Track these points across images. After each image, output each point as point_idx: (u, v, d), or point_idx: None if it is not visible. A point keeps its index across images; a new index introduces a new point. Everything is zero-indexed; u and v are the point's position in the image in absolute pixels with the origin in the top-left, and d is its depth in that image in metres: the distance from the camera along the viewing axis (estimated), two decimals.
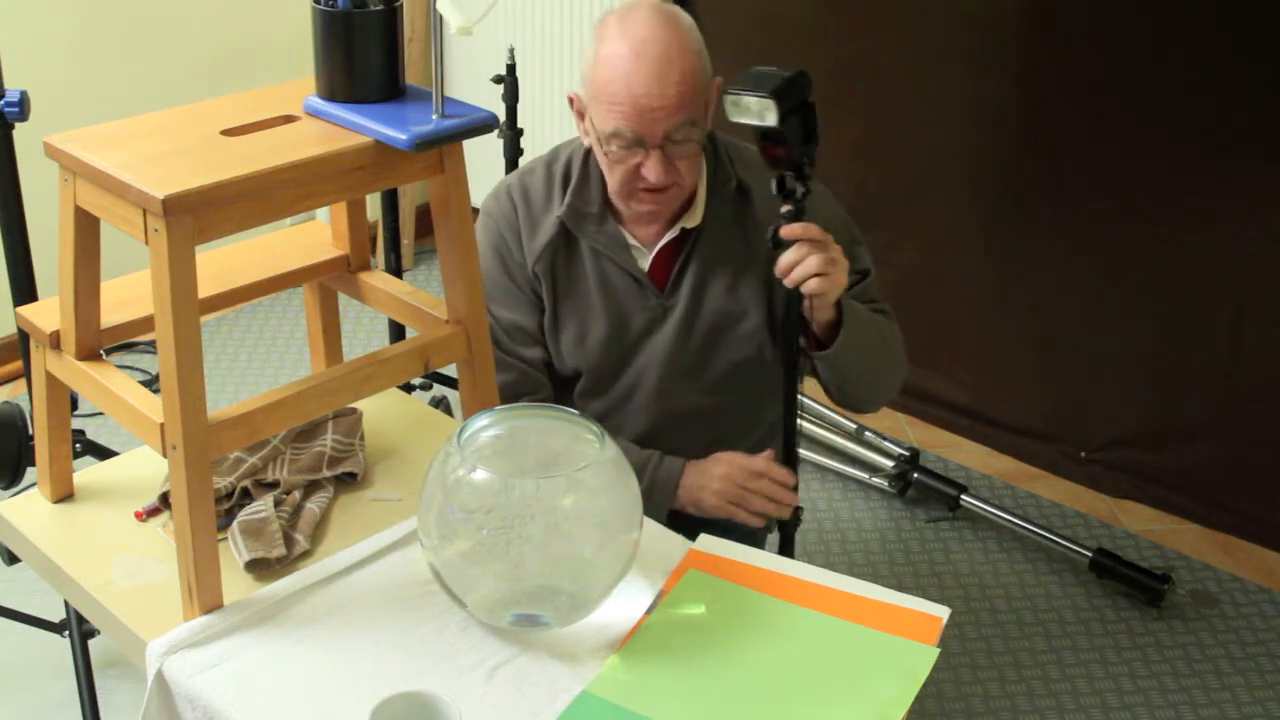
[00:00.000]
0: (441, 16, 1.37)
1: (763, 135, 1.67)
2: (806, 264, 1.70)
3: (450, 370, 2.77)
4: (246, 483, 1.59)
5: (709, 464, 1.86)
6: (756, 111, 1.64)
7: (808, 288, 1.71)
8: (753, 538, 1.98)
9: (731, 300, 1.88)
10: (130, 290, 1.55)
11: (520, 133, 2.73)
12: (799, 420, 2.50)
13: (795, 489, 1.86)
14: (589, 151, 1.86)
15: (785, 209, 1.71)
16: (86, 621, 2.23)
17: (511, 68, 2.67)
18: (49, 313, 1.50)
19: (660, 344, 1.89)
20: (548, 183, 1.89)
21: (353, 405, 1.71)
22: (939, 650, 1.39)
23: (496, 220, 1.90)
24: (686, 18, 1.77)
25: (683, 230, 1.86)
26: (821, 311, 1.78)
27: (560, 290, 1.89)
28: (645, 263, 1.88)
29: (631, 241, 1.87)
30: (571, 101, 1.83)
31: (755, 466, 1.84)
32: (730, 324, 1.89)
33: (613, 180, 1.80)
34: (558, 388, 1.95)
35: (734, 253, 1.87)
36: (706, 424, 1.93)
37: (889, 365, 1.94)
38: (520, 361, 1.89)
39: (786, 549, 2.04)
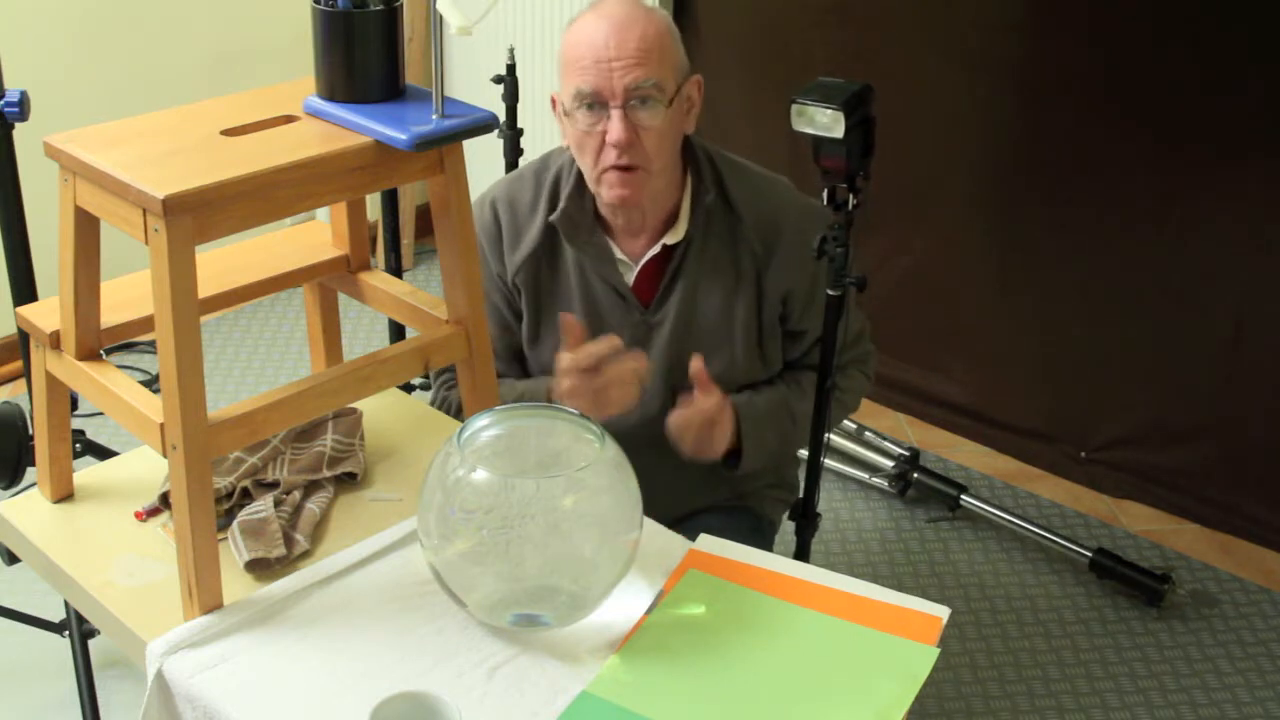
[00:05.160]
0: (441, 16, 1.37)
1: (820, 145, 1.68)
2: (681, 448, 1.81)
3: None
4: (246, 483, 1.59)
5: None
6: (824, 123, 1.65)
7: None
8: (756, 537, 1.99)
9: (720, 317, 1.86)
10: (130, 290, 1.55)
11: (520, 133, 2.73)
12: None
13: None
14: None
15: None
16: (86, 621, 2.23)
17: (511, 68, 2.67)
18: (49, 313, 1.50)
19: (649, 363, 1.88)
20: (536, 191, 1.87)
21: (353, 405, 1.71)
22: (939, 650, 1.39)
23: (475, 232, 1.89)
24: (663, 11, 1.78)
25: (665, 246, 1.85)
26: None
27: (543, 301, 1.88)
28: (630, 277, 1.87)
29: (619, 255, 1.86)
30: (554, 103, 1.82)
31: (582, 360, 1.73)
32: (719, 341, 1.87)
33: (583, 160, 1.78)
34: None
35: (722, 268, 1.86)
36: None
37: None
38: None
39: (802, 555, 2.04)
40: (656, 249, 1.85)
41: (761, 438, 1.87)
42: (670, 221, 1.85)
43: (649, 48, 1.72)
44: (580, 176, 1.84)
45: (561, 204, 1.83)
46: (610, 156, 1.74)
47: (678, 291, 1.85)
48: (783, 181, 1.93)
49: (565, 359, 1.74)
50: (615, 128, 1.72)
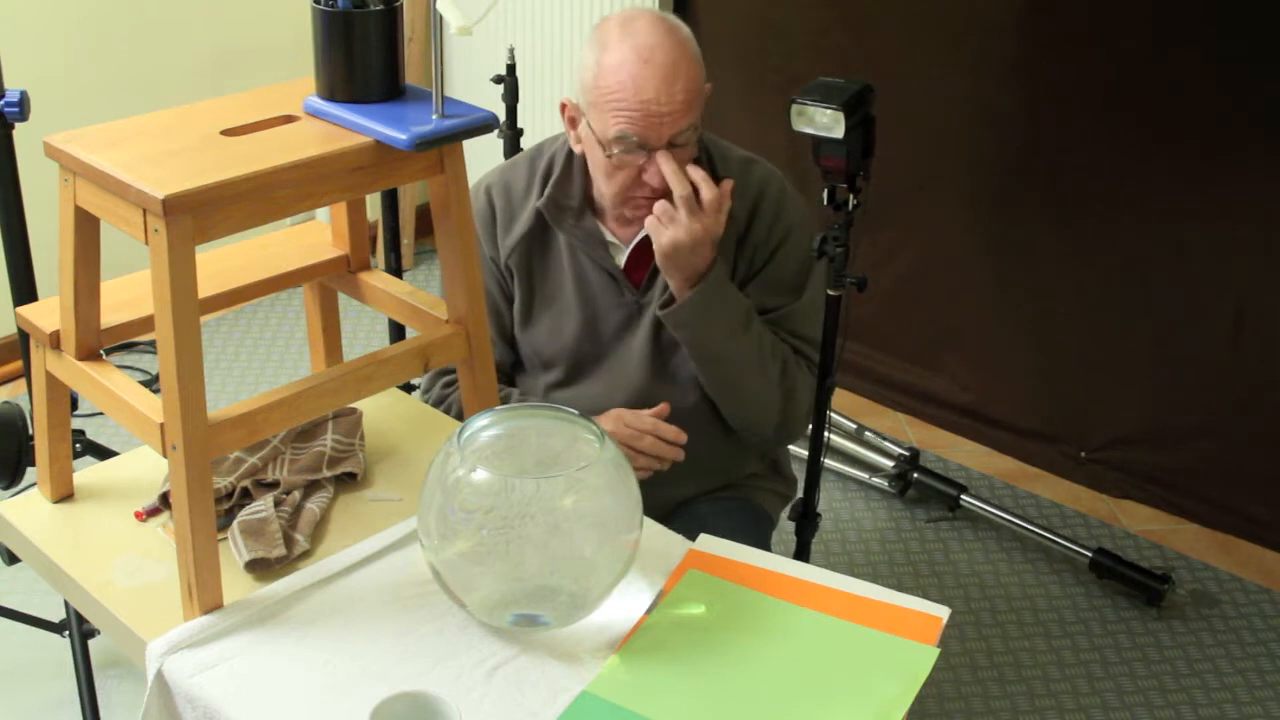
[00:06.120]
0: (441, 16, 1.37)
1: (820, 145, 1.68)
2: (654, 209, 1.75)
3: None
4: (246, 483, 1.59)
5: (599, 420, 1.82)
6: (824, 123, 1.66)
7: (648, 225, 1.76)
8: (753, 530, 1.99)
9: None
10: (130, 290, 1.55)
11: (520, 133, 2.73)
12: None
13: (685, 446, 1.83)
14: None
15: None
16: (86, 621, 2.23)
17: (511, 68, 2.67)
18: (49, 313, 1.50)
19: (637, 341, 1.89)
20: (529, 177, 1.90)
21: (353, 405, 1.71)
22: (939, 650, 1.39)
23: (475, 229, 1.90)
24: (685, 27, 1.78)
25: None
26: (669, 275, 1.79)
27: (535, 282, 1.90)
28: (621, 259, 1.88)
29: (609, 238, 1.88)
30: (564, 108, 1.83)
31: (641, 425, 1.82)
32: None
33: (611, 186, 1.80)
34: (531, 374, 1.96)
35: None
36: (687, 426, 1.93)
37: (755, 386, 1.86)
38: None
39: (802, 554, 2.05)
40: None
41: (711, 306, 1.80)
42: None
43: (692, 96, 1.73)
44: (568, 164, 1.87)
45: (548, 190, 1.86)
46: (645, 192, 1.77)
47: None
48: (766, 163, 1.94)
49: (627, 413, 1.82)
50: (657, 174, 1.74)
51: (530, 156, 1.93)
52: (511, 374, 2.00)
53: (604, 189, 1.81)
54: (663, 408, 1.84)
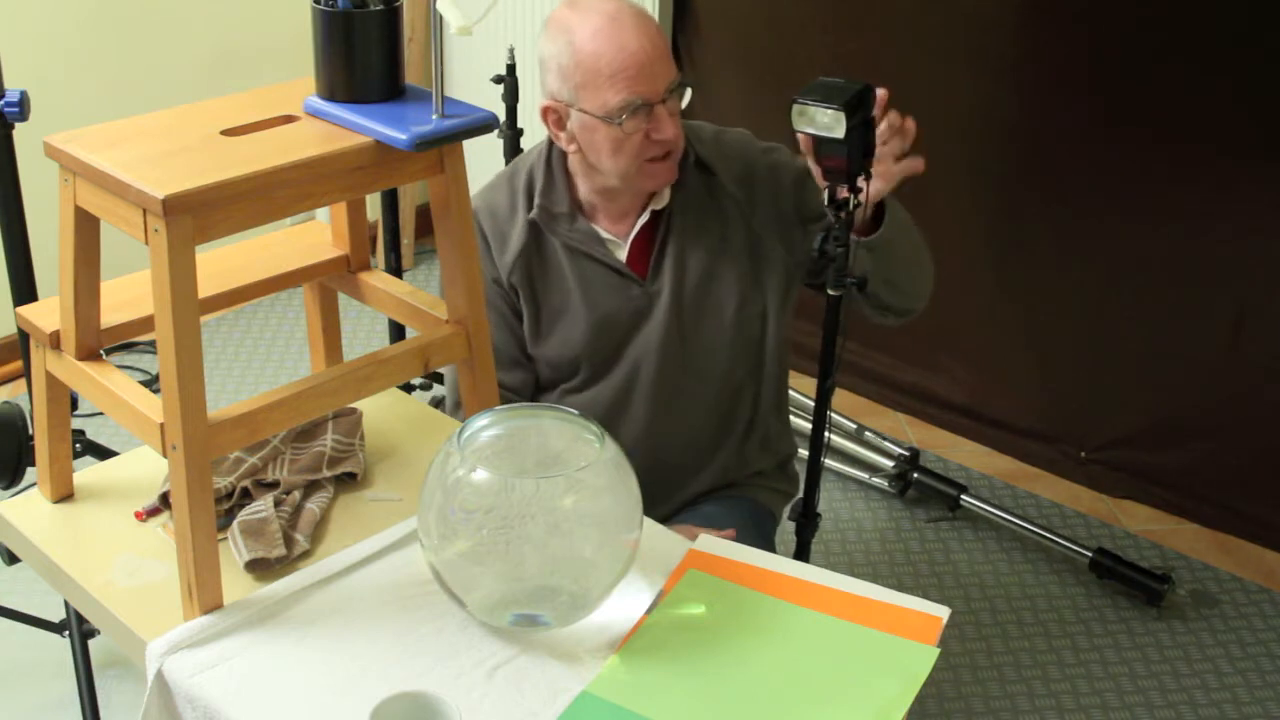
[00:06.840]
0: (441, 16, 1.37)
1: (820, 145, 1.69)
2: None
3: None
4: (246, 483, 1.59)
5: None
6: (825, 123, 1.66)
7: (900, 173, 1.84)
8: (755, 527, 1.99)
9: (714, 276, 1.89)
10: (130, 290, 1.55)
11: (520, 133, 2.73)
12: (796, 419, 2.49)
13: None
14: (550, 156, 1.88)
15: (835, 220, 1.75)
16: (86, 621, 2.23)
17: (511, 68, 2.67)
18: (49, 313, 1.50)
19: (651, 333, 1.89)
20: (511, 195, 1.90)
21: (353, 405, 1.71)
22: (939, 650, 1.39)
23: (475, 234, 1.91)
24: None
25: (653, 213, 1.87)
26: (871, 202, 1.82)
27: (539, 294, 1.90)
28: (622, 254, 1.89)
29: (606, 235, 1.88)
30: (546, 113, 1.82)
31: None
32: (715, 301, 1.90)
33: (622, 159, 1.79)
34: (550, 388, 1.96)
35: (709, 228, 1.89)
36: (706, 409, 1.94)
37: (924, 252, 2.01)
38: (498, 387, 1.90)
39: (802, 554, 2.05)
40: (646, 217, 1.87)
41: (897, 206, 1.91)
42: (649, 194, 1.88)
43: (666, 43, 1.77)
44: (550, 173, 1.88)
45: (537, 200, 1.87)
46: (658, 150, 1.78)
47: (670, 256, 1.88)
48: (740, 131, 1.96)
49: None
50: (668, 125, 1.76)
51: (508, 175, 1.94)
52: (535, 399, 1.98)
53: (614, 168, 1.80)
54: (730, 534, 1.83)
